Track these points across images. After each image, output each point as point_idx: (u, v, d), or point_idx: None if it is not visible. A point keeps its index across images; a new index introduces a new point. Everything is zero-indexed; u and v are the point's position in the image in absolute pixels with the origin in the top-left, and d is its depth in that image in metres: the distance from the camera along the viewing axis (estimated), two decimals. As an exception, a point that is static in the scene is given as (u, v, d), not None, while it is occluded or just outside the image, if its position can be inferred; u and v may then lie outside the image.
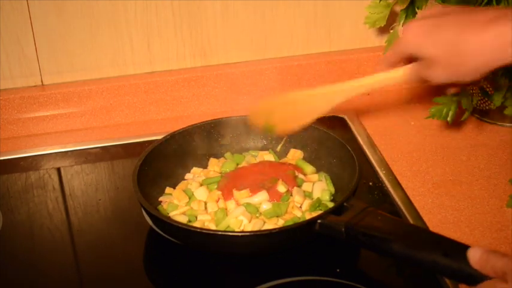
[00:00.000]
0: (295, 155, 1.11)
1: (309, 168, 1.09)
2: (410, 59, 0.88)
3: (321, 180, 1.06)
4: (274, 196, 1.01)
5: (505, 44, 0.77)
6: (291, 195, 1.02)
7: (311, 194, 1.04)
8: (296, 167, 1.08)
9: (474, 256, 0.76)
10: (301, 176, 1.07)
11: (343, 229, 0.88)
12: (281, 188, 1.01)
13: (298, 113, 1.01)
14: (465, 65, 0.81)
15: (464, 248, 0.77)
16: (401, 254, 0.83)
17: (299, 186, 1.04)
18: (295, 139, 1.13)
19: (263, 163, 1.10)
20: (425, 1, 1.13)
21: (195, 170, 1.10)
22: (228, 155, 1.12)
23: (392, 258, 0.87)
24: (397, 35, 1.18)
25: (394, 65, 0.90)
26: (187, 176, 1.09)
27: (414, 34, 0.85)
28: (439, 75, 0.84)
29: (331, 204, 1.01)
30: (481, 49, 0.79)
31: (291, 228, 0.93)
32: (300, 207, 1.01)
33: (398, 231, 0.86)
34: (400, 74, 0.90)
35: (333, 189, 1.04)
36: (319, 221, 0.90)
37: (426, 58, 0.84)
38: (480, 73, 0.81)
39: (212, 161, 1.11)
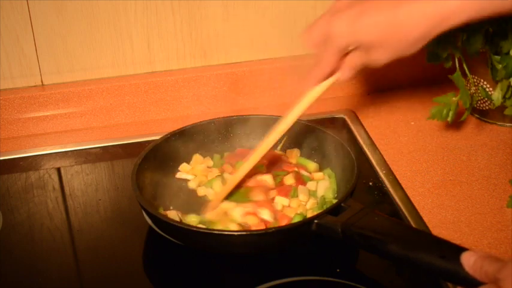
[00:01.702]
0: (293, 154, 1.11)
1: (311, 165, 1.09)
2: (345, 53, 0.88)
3: (325, 179, 1.06)
4: (282, 192, 1.01)
5: (444, 11, 0.79)
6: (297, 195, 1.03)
7: (315, 192, 1.04)
8: (298, 166, 1.09)
9: (468, 261, 0.75)
10: (305, 173, 1.07)
11: (339, 229, 0.88)
12: (289, 180, 1.03)
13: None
14: (404, 40, 0.82)
15: (462, 250, 0.77)
16: (398, 255, 0.83)
17: (305, 182, 1.05)
18: (295, 139, 1.13)
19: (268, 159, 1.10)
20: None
21: (183, 166, 1.10)
22: (216, 157, 1.13)
23: (389, 259, 0.87)
24: None
25: (331, 68, 0.90)
26: (179, 175, 1.09)
27: (341, 27, 0.85)
28: (380, 57, 0.85)
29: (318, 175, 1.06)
30: (417, 21, 0.80)
31: (287, 228, 0.93)
32: (305, 205, 1.01)
33: (395, 232, 0.86)
34: (338, 78, 0.91)
35: (336, 187, 1.05)
36: (316, 221, 0.90)
37: (363, 45, 0.84)
38: (421, 44, 0.83)
39: (196, 158, 1.11)
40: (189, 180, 1.09)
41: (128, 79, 1.30)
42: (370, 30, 0.83)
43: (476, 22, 0.81)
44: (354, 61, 0.88)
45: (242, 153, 1.12)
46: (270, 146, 1.00)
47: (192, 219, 1.00)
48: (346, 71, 0.90)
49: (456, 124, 1.21)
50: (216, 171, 1.09)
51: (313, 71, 0.92)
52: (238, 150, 1.13)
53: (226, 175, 1.07)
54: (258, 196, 1.01)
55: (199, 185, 1.07)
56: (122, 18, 1.26)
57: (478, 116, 1.25)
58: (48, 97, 1.27)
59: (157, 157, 1.07)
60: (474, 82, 1.19)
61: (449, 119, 1.14)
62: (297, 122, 1.12)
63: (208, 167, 1.11)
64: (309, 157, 1.11)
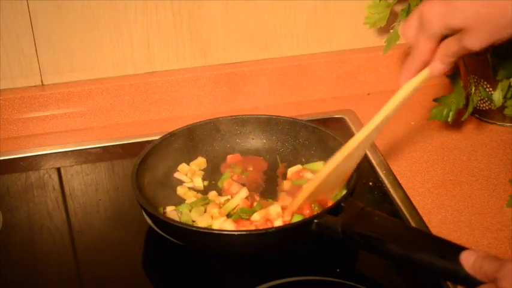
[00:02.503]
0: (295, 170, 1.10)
1: (317, 165, 1.09)
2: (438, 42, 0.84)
3: None
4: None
5: None
6: None
7: None
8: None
9: (468, 261, 0.75)
10: (309, 174, 1.07)
11: (339, 229, 0.88)
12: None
13: (341, 178, 0.98)
14: (498, 21, 0.78)
15: (461, 250, 0.77)
16: (397, 255, 0.83)
17: None
18: (294, 139, 1.13)
19: None
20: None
21: (182, 166, 1.10)
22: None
23: (389, 259, 0.87)
24: (397, 35, 1.18)
25: (425, 57, 0.86)
26: (177, 175, 1.09)
27: (436, 12, 0.81)
28: (473, 41, 0.80)
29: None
30: None
31: (287, 228, 0.93)
32: None
33: (394, 232, 0.86)
34: (433, 69, 0.86)
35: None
36: (315, 220, 0.90)
37: (459, 29, 0.80)
38: None
39: (200, 160, 1.11)
40: (184, 182, 1.09)
41: (127, 79, 1.30)
42: (463, 13, 0.79)
43: None
44: (448, 48, 0.84)
45: (233, 159, 1.12)
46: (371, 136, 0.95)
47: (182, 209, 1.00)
48: (439, 61, 0.85)
49: (456, 124, 1.21)
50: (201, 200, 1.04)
51: (408, 62, 0.89)
52: (229, 158, 1.13)
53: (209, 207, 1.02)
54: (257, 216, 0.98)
55: (184, 194, 1.06)
56: (122, 18, 1.26)
57: (478, 116, 1.25)
58: (48, 97, 1.27)
59: (157, 157, 1.07)
60: (474, 82, 1.19)
61: (449, 119, 1.14)
62: (298, 122, 1.13)
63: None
64: (309, 157, 1.11)
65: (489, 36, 0.80)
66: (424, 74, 0.87)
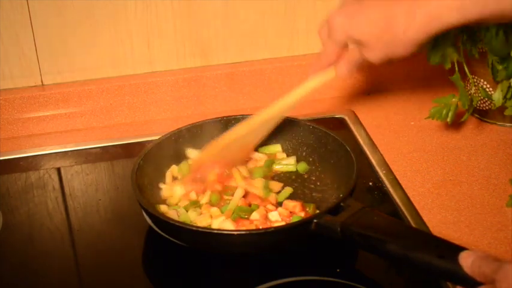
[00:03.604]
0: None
1: (273, 147, 1.13)
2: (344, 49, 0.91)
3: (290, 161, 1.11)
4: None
5: (435, 10, 0.79)
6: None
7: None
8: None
9: (466, 261, 0.75)
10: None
11: (338, 229, 0.88)
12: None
13: (239, 150, 1.06)
14: (395, 39, 0.83)
15: (460, 250, 0.77)
16: (397, 255, 0.83)
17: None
18: (294, 139, 1.13)
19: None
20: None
21: (173, 168, 1.09)
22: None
23: (388, 259, 0.87)
24: None
25: (329, 59, 0.93)
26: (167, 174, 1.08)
27: (339, 22, 0.87)
28: (374, 54, 0.87)
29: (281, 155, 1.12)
30: (408, 19, 0.81)
31: (286, 228, 0.93)
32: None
33: (394, 232, 0.86)
34: (336, 72, 0.94)
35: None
36: (315, 220, 0.90)
37: (357, 41, 0.87)
38: (413, 44, 0.83)
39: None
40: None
41: (127, 79, 1.30)
42: (364, 28, 0.85)
43: (476, 23, 0.80)
44: (351, 56, 0.91)
45: None
46: (256, 123, 1.04)
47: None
48: (342, 65, 0.93)
49: (456, 124, 1.21)
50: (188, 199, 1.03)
51: (316, 60, 0.95)
52: None
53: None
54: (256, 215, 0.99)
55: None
56: (122, 18, 1.26)
57: (478, 116, 1.25)
58: (48, 97, 1.27)
59: (158, 157, 1.07)
60: (474, 82, 1.19)
61: (448, 119, 1.14)
62: (298, 122, 1.13)
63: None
64: (308, 157, 1.11)
65: (383, 53, 0.86)
66: (327, 72, 0.95)
